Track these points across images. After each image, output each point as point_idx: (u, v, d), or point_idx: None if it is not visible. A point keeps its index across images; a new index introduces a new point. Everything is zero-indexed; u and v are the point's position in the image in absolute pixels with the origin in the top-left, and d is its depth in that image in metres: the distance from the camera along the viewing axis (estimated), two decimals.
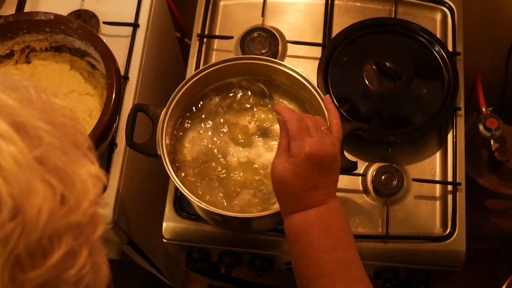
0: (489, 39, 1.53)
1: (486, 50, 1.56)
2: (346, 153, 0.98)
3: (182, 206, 1.11)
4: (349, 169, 0.97)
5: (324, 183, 0.80)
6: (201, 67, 1.19)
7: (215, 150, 1.04)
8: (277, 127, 1.05)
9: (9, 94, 0.44)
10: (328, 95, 0.90)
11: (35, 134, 0.43)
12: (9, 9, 1.25)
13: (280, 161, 0.82)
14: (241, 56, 1.17)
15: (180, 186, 0.94)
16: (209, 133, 1.06)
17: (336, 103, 1.13)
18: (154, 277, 0.92)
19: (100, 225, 0.48)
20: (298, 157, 0.79)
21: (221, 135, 1.05)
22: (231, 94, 1.08)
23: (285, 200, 0.82)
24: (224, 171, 1.02)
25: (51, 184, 0.43)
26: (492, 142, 1.30)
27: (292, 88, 1.06)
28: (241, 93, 1.08)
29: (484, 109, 1.32)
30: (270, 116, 1.06)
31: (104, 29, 1.23)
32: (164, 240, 1.11)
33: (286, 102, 1.07)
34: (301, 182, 0.79)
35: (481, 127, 1.29)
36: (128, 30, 1.23)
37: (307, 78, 1.01)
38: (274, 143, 1.04)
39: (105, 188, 0.51)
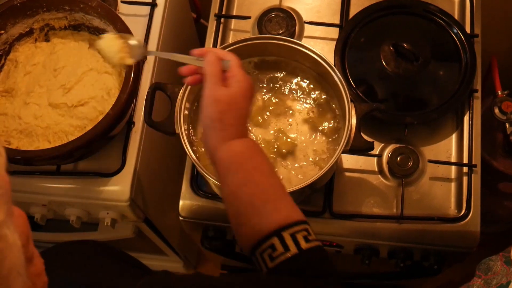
0: (507, 22, 1.52)
1: (503, 33, 1.55)
2: (362, 134, 0.98)
3: (199, 184, 1.12)
4: (366, 149, 0.98)
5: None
6: (218, 47, 1.19)
7: None
8: (294, 107, 1.06)
9: None
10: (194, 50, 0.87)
11: None
12: None
13: (219, 88, 0.80)
14: (258, 36, 1.17)
15: (197, 164, 0.95)
16: None
17: (353, 84, 1.14)
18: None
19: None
20: (245, 81, 0.81)
21: None
22: (248, 74, 1.08)
23: (230, 123, 0.79)
24: None
25: None
26: (507, 125, 1.30)
27: (313, 69, 1.06)
28: (259, 73, 1.08)
29: (499, 92, 1.32)
30: (288, 96, 1.07)
31: (122, 8, 1.23)
32: (180, 218, 1.12)
33: (312, 85, 1.08)
34: (246, 106, 0.80)
35: (496, 110, 1.29)
36: (146, 9, 1.23)
37: (325, 58, 1.01)
38: (290, 122, 1.05)
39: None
